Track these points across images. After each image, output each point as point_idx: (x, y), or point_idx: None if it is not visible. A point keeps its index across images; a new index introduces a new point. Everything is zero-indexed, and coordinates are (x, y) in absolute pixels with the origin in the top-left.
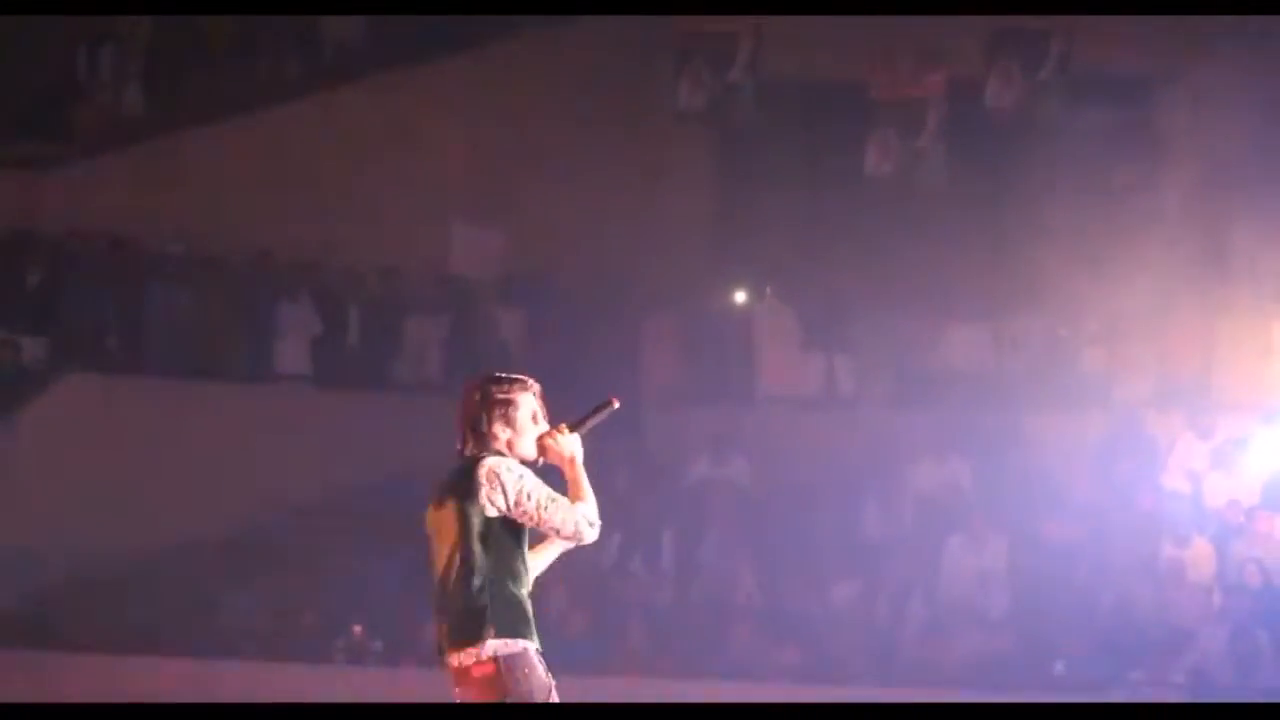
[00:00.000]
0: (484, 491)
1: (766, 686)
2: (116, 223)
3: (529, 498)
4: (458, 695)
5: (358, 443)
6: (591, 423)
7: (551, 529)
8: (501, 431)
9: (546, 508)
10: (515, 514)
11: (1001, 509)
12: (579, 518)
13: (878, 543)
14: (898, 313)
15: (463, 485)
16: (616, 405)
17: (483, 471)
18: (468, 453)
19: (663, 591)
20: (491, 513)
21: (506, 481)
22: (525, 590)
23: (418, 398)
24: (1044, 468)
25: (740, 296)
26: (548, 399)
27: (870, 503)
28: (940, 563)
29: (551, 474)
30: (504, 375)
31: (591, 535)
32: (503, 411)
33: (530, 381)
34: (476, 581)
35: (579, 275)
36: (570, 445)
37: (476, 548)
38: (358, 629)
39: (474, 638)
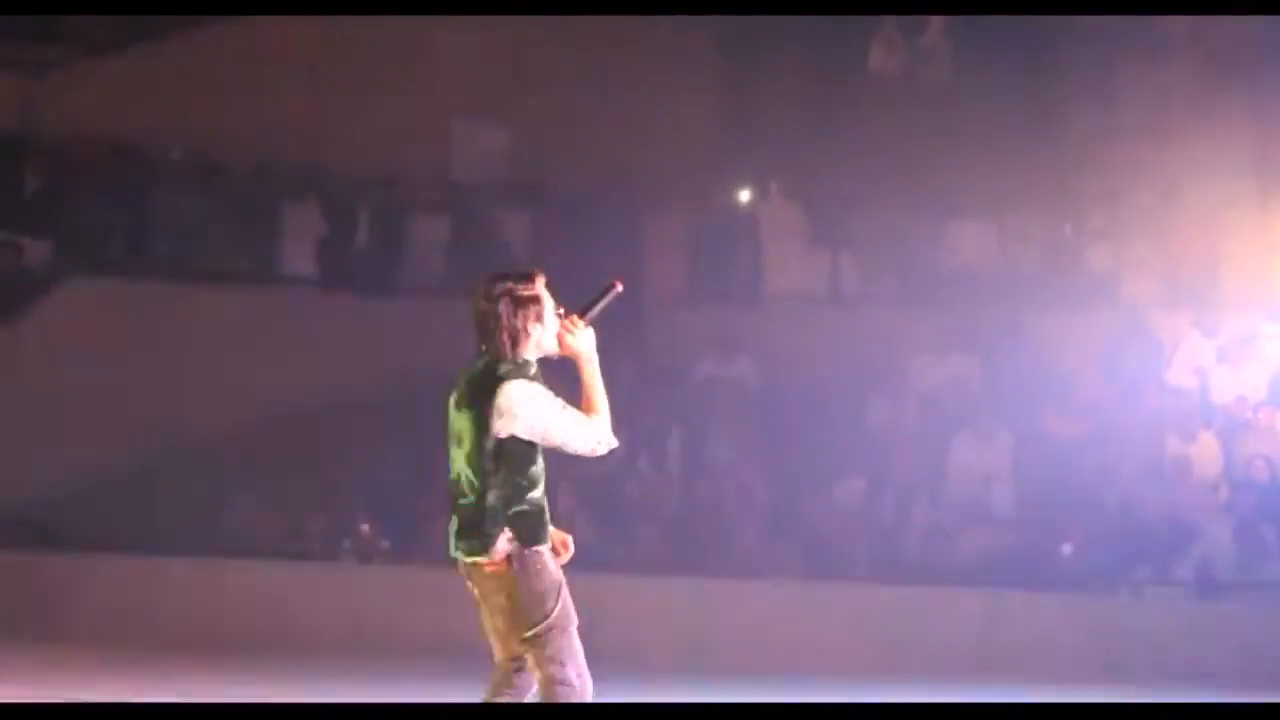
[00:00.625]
0: (500, 421)
1: (772, 584)
2: (117, 126)
3: (554, 429)
4: (469, 589)
5: (362, 346)
6: (598, 308)
7: (569, 450)
8: (534, 330)
9: (570, 432)
10: (536, 439)
11: (1007, 407)
12: (594, 440)
13: (883, 441)
14: (903, 210)
15: (482, 400)
16: (620, 288)
17: (501, 398)
18: (495, 355)
19: (669, 491)
20: (504, 436)
21: (524, 413)
22: (537, 494)
23: (421, 301)
24: (1050, 366)
25: (745, 195)
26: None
27: (875, 401)
28: (945, 461)
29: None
30: (521, 272)
31: (605, 450)
32: (535, 309)
33: (540, 273)
34: (488, 491)
35: (582, 176)
36: (588, 342)
37: (489, 458)
38: (365, 528)
39: (487, 541)
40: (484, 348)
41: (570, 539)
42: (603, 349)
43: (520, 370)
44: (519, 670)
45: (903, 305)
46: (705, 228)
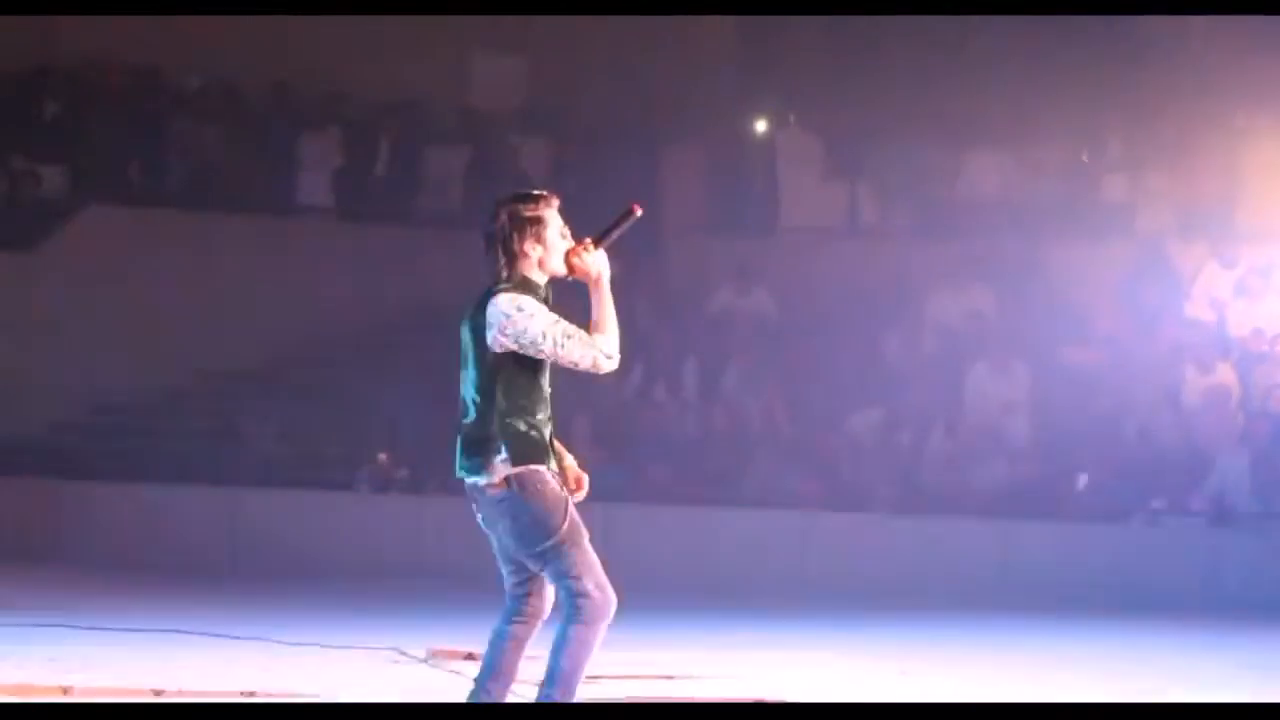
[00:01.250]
0: (493, 333)
1: (787, 513)
2: (135, 54)
3: (544, 337)
4: (475, 511)
5: (379, 274)
6: (616, 234)
7: (569, 363)
8: (533, 250)
9: (563, 345)
10: (529, 351)
11: (1024, 338)
12: (596, 353)
13: (899, 372)
14: (920, 142)
15: (478, 318)
16: (639, 213)
17: (492, 311)
18: (494, 273)
19: (685, 421)
20: (499, 350)
21: (517, 322)
22: (540, 417)
23: (439, 230)
24: (1067, 297)
25: (762, 125)
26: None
27: (892, 332)
28: (962, 391)
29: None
30: (528, 193)
31: (609, 367)
32: (534, 230)
33: (553, 197)
34: (488, 412)
35: (600, 105)
36: (598, 263)
37: (487, 380)
38: (383, 457)
39: (484, 464)
40: (489, 270)
41: (586, 478)
42: (620, 279)
43: (519, 288)
44: (527, 596)
45: (920, 236)
46: (723, 158)
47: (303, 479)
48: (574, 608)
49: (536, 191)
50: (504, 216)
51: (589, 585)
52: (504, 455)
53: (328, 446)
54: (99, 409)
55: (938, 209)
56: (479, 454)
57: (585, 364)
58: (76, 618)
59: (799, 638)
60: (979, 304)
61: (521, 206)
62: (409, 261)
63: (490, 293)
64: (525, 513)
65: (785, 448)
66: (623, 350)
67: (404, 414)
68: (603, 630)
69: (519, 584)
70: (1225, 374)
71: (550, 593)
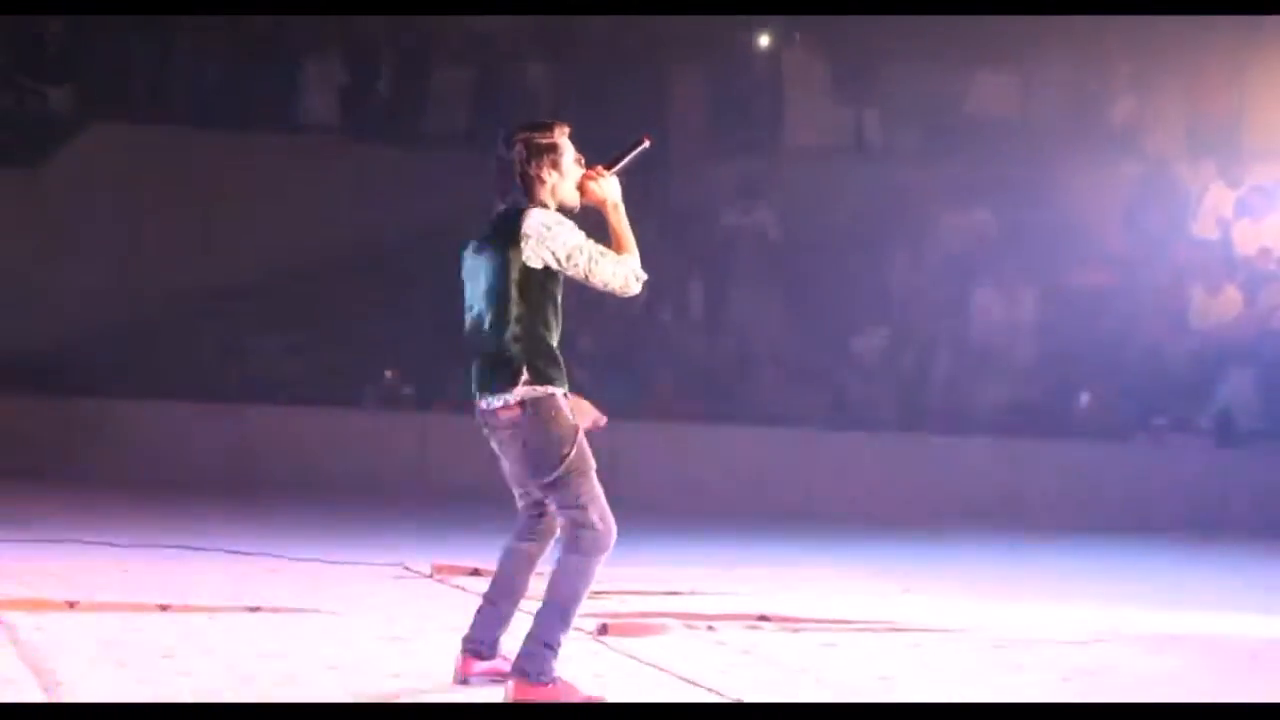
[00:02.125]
0: (530, 244)
1: (792, 433)
2: None
3: (580, 252)
4: (486, 435)
5: (384, 194)
6: (626, 161)
7: (600, 283)
8: (549, 176)
9: (597, 261)
10: (565, 268)
11: (1030, 259)
12: (627, 271)
13: (905, 292)
14: (926, 62)
15: (507, 234)
16: (649, 144)
17: (529, 223)
18: (510, 202)
19: (691, 340)
20: (535, 264)
21: (556, 236)
22: (555, 340)
23: (445, 150)
24: (1073, 218)
25: (769, 45)
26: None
27: (898, 253)
28: (968, 312)
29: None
30: (541, 121)
31: (638, 288)
32: (550, 158)
33: (565, 125)
34: (511, 329)
35: (606, 25)
36: (611, 188)
37: (514, 296)
38: (389, 374)
39: (505, 384)
40: (502, 197)
41: (604, 419)
42: (625, 198)
43: (542, 203)
44: (539, 516)
45: (926, 157)
46: (729, 78)
47: (309, 396)
48: (575, 538)
49: (546, 120)
50: (520, 145)
51: (593, 517)
52: (526, 376)
53: (334, 363)
54: (104, 326)
55: (943, 130)
56: (500, 375)
57: (616, 283)
58: (83, 534)
59: (802, 556)
60: (984, 225)
61: (537, 135)
62: (414, 181)
63: (518, 211)
64: (536, 439)
65: (790, 367)
66: None
67: (410, 331)
68: (602, 561)
69: (531, 505)
70: (1231, 293)
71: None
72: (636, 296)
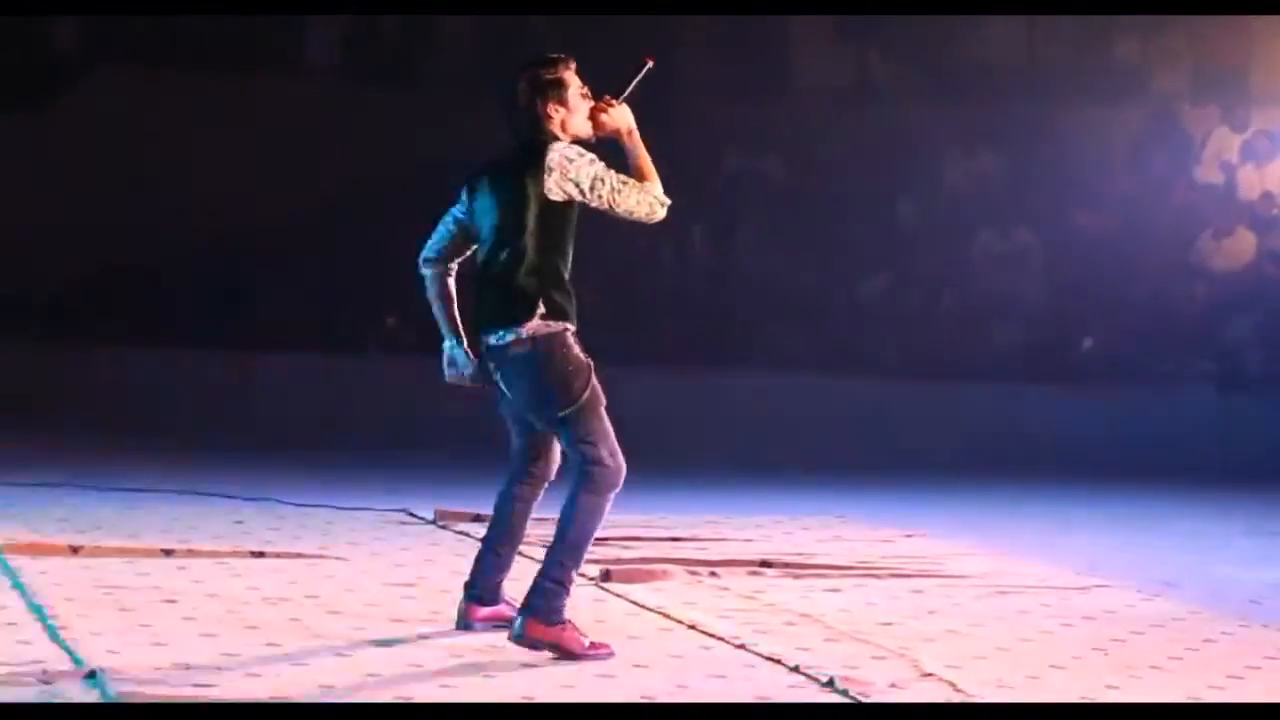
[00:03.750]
0: (553, 177)
1: (796, 377)
2: None
3: (603, 183)
4: (491, 370)
5: (388, 136)
6: (634, 86)
7: (625, 212)
8: (555, 112)
9: (620, 191)
10: (589, 199)
11: (1034, 202)
12: (651, 199)
13: (910, 236)
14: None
15: (527, 167)
16: (652, 64)
17: (552, 156)
18: (524, 139)
19: (694, 284)
20: (557, 197)
21: (580, 168)
22: (568, 276)
23: (448, 90)
24: (1077, 161)
25: None
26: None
27: (903, 196)
28: (972, 256)
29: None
30: (546, 57)
31: (662, 214)
32: (556, 93)
33: (570, 59)
34: (529, 263)
35: None
36: (624, 116)
37: (534, 229)
38: (391, 320)
39: (521, 317)
40: (516, 136)
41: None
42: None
43: (554, 137)
44: (536, 458)
45: (930, 99)
46: (734, 19)
47: (313, 341)
48: (586, 474)
49: (551, 55)
50: (524, 83)
51: (604, 453)
52: (542, 310)
53: (337, 308)
54: (108, 270)
55: (947, 73)
56: (513, 310)
57: (642, 211)
58: (87, 479)
59: (805, 501)
60: (988, 168)
61: (541, 71)
62: (417, 122)
63: (539, 145)
64: (550, 374)
65: (795, 312)
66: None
67: (412, 277)
68: (612, 498)
69: (527, 446)
70: (1235, 238)
71: (557, 455)
72: (637, 240)
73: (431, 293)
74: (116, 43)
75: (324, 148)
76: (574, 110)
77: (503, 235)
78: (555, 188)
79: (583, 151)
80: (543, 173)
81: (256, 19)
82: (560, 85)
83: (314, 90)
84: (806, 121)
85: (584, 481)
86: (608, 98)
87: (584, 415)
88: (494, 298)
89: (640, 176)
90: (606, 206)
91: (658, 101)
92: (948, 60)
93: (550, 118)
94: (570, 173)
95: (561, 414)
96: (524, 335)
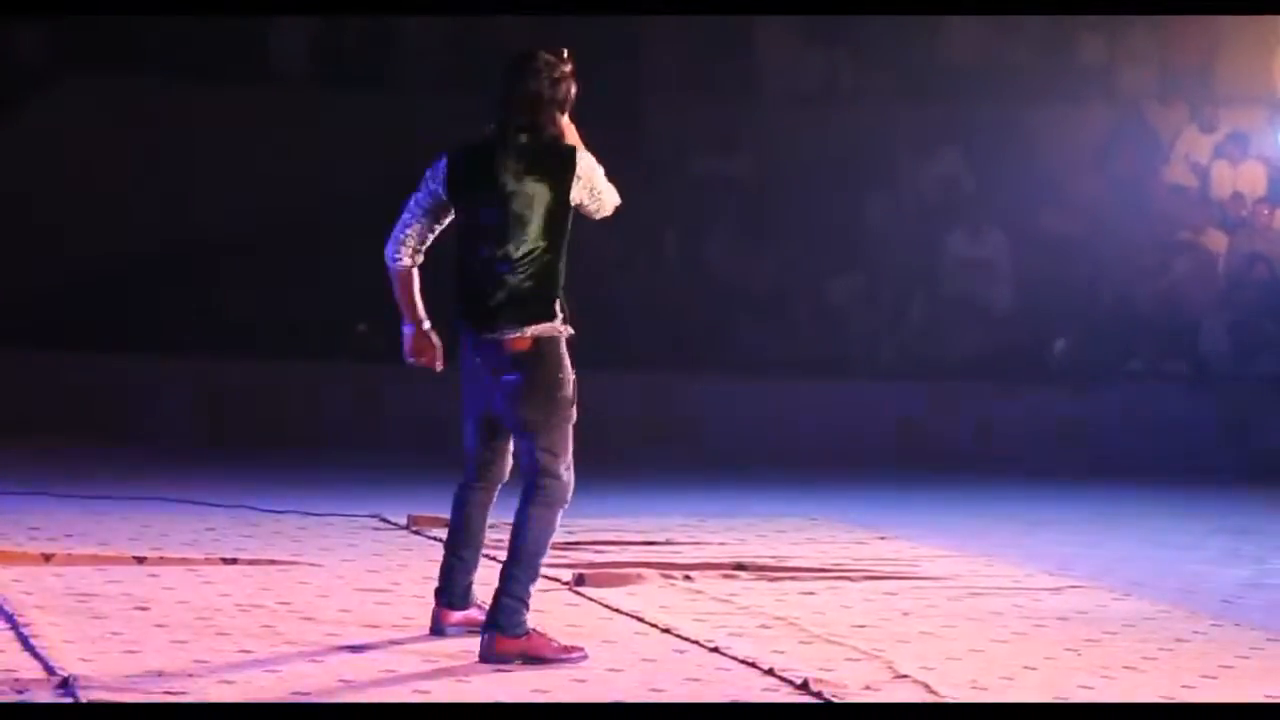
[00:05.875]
0: (580, 184)
1: (767, 381)
2: None
3: (603, 190)
4: (476, 366)
5: (357, 142)
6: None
7: (602, 216)
8: (566, 106)
9: (604, 194)
10: (588, 204)
11: (1002, 203)
12: (616, 200)
13: (879, 237)
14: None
15: (555, 171)
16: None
17: (583, 164)
18: (535, 130)
19: (665, 286)
20: (575, 201)
21: (599, 177)
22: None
23: (417, 96)
24: (1045, 161)
25: None
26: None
27: (871, 197)
28: (941, 257)
29: None
30: (560, 52)
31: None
32: (566, 86)
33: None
34: (548, 264)
35: None
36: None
37: (555, 232)
38: (361, 327)
39: (529, 317)
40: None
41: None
42: (600, 146)
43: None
44: (492, 461)
45: (897, 99)
46: (702, 20)
47: (282, 349)
48: (539, 487)
49: (562, 50)
50: (548, 76)
51: (560, 467)
52: (554, 311)
53: (307, 315)
54: (73, 278)
55: (915, 73)
56: (528, 308)
57: (606, 213)
58: (56, 487)
59: (778, 503)
60: (956, 169)
61: (565, 67)
62: (387, 128)
63: (566, 150)
64: (543, 376)
65: (765, 313)
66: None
67: (382, 284)
68: (562, 513)
69: (485, 449)
70: (1205, 238)
71: (510, 459)
72: (610, 242)
73: (400, 280)
74: (83, 52)
75: (292, 154)
76: (568, 106)
77: (521, 234)
78: (577, 194)
79: (593, 158)
80: (572, 178)
81: (223, 26)
82: (570, 79)
83: (281, 95)
84: (775, 122)
85: (535, 494)
86: None
87: (558, 425)
88: (498, 295)
89: None
90: (594, 210)
91: (627, 103)
92: (916, 62)
93: (561, 110)
94: (593, 182)
95: (541, 418)
96: (529, 334)
